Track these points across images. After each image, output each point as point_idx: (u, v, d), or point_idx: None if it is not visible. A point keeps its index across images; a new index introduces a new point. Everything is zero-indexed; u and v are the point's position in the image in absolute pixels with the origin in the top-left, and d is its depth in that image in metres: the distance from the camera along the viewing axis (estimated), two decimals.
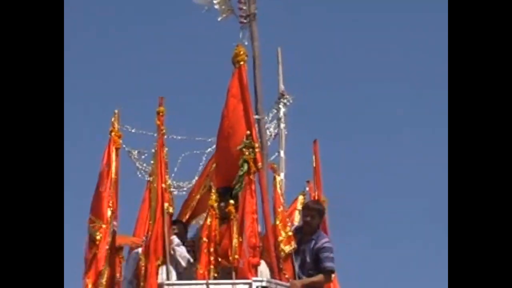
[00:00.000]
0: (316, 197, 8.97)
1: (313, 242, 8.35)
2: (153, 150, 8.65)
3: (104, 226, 8.33)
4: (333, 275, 8.41)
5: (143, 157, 8.87)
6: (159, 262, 8.09)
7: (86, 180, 8.89)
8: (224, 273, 8.23)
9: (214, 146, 9.13)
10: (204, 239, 8.08)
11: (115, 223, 8.40)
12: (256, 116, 8.83)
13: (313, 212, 8.46)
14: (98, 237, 8.30)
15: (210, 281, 8.01)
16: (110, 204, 8.51)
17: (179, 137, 9.02)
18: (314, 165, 9.19)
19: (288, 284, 8.19)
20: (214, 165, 9.10)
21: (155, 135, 8.60)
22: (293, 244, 8.26)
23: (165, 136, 8.53)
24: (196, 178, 9.26)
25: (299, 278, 8.42)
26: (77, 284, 9.33)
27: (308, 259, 8.41)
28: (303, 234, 8.37)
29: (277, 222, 8.37)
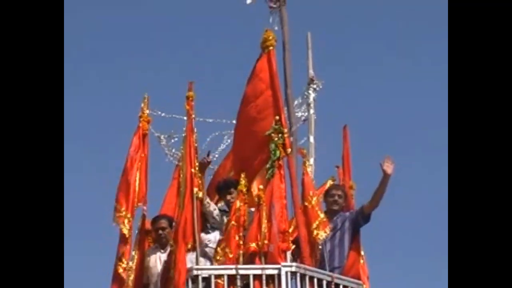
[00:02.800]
0: (345, 183, 8.96)
1: (340, 218, 8.44)
2: (182, 135, 8.57)
3: (129, 216, 8.32)
4: (362, 260, 8.43)
5: (172, 141, 8.79)
6: (188, 246, 8.00)
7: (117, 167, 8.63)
8: (248, 257, 8.20)
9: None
10: (233, 222, 8.05)
11: (144, 207, 8.38)
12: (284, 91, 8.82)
13: (341, 191, 8.57)
14: (126, 232, 8.30)
15: (239, 266, 7.93)
16: (137, 193, 8.44)
17: (209, 120, 8.97)
18: (343, 150, 9.13)
19: (316, 269, 8.09)
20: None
21: (185, 118, 8.53)
22: (327, 230, 8.30)
23: (194, 120, 8.48)
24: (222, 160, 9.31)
25: (329, 263, 8.35)
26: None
27: (336, 233, 8.43)
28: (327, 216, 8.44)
29: (310, 206, 8.37)
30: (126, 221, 8.19)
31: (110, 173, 8.91)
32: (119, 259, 8.30)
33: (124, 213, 8.25)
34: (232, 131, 9.26)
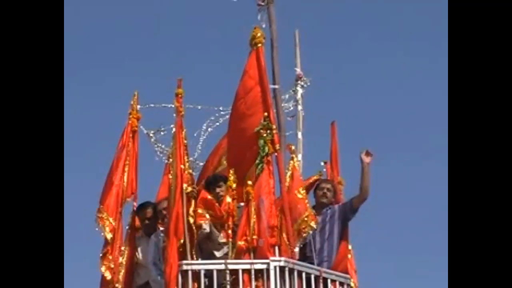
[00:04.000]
0: (333, 178, 8.97)
1: (329, 211, 8.52)
2: (171, 127, 8.62)
3: (111, 220, 8.32)
4: (349, 255, 8.46)
5: (161, 134, 8.84)
6: (180, 242, 8.06)
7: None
8: (238, 253, 8.25)
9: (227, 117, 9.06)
10: (224, 214, 8.17)
11: (134, 203, 8.42)
12: (273, 86, 8.86)
13: (330, 185, 8.65)
14: (109, 237, 8.31)
15: (228, 261, 7.99)
16: (125, 189, 8.42)
17: (199, 107, 8.98)
18: (331, 146, 9.17)
19: (304, 263, 8.16)
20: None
21: (174, 115, 8.50)
22: (315, 224, 8.38)
23: (183, 113, 8.44)
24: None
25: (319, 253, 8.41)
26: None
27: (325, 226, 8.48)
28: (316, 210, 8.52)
29: (300, 196, 8.44)
30: (107, 223, 8.22)
31: (101, 172, 8.69)
32: (102, 258, 8.36)
33: (105, 215, 8.28)
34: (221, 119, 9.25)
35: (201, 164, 9.23)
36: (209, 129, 9.17)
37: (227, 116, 9.23)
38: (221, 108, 9.20)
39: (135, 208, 8.35)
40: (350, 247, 8.53)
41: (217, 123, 9.35)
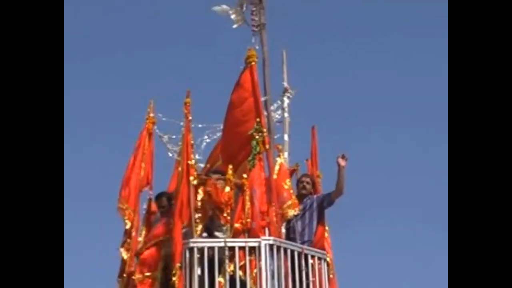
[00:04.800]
0: (313, 173, 9.89)
1: (309, 200, 9.42)
2: (180, 136, 9.44)
3: (131, 210, 9.10)
4: (326, 234, 9.36)
5: (173, 137, 9.63)
6: (184, 224, 8.82)
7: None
8: (234, 233, 8.96)
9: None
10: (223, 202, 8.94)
11: (150, 192, 9.36)
12: (263, 98, 9.67)
13: (309, 179, 9.55)
14: (128, 227, 9.12)
15: (227, 239, 8.79)
16: (141, 181, 9.22)
17: (200, 125, 9.82)
18: (312, 146, 10.10)
19: (290, 242, 9.04)
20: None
21: (181, 123, 9.38)
22: (297, 210, 9.25)
23: (191, 122, 9.27)
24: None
25: (301, 235, 9.27)
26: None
27: (306, 212, 9.35)
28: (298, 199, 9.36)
29: (286, 187, 9.29)
30: (127, 212, 9.06)
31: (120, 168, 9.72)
32: (122, 243, 9.18)
33: (125, 205, 9.12)
34: (218, 133, 10.00)
35: (201, 165, 9.83)
36: (208, 140, 9.92)
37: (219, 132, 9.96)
38: (217, 126, 9.95)
39: (150, 196, 9.24)
40: (327, 228, 9.38)
41: (215, 136, 10.06)
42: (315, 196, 9.52)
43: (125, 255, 9.21)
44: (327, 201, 9.35)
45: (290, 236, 9.34)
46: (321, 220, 9.44)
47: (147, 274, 9.11)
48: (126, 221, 9.09)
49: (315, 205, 9.42)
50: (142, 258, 9.09)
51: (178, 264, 8.76)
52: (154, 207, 9.32)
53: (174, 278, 8.80)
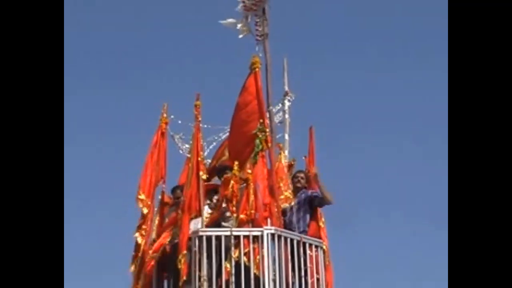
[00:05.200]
0: (310, 169, 10.23)
1: (303, 195, 9.88)
2: (190, 136, 10.00)
3: (148, 199, 9.57)
4: (322, 224, 9.76)
5: (182, 137, 10.20)
6: (192, 216, 9.30)
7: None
8: (239, 223, 9.37)
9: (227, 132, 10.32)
10: (228, 196, 9.40)
11: (163, 185, 9.87)
12: (270, 108, 10.11)
13: (303, 175, 10.04)
14: (145, 212, 9.61)
15: (233, 229, 9.25)
16: (156, 175, 9.69)
17: (208, 126, 10.34)
18: (309, 145, 10.46)
19: (289, 231, 9.45)
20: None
21: (191, 124, 9.92)
22: (290, 203, 9.73)
23: (200, 120, 9.75)
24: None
25: (297, 225, 9.71)
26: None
27: (300, 207, 9.81)
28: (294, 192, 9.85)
29: (281, 185, 9.76)
30: (144, 202, 9.55)
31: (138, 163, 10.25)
32: (137, 228, 9.65)
33: (143, 196, 9.62)
34: (223, 134, 10.54)
35: (208, 161, 10.37)
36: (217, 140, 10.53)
37: (226, 133, 10.44)
38: (223, 128, 10.51)
39: (163, 189, 9.77)
40: (322, 219, 9.81)
41: (220, 135, 10.60)
42: (309, 192, 9.92)
43: (139, 239, 9.66)
44: (317, 201, 9.74)
45: (288, 227, 9.71)
46: (314, 213, 9.85)
47: (153, 255, 9.52)
48: (144, 209, 9.55)
49: (307, 200, 9.85)
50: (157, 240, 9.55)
51: (184, 252, 9.17)
52: (167, 198, 9.81)
53: (180, 265, 9.21)
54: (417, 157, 21.19)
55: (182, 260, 9.18)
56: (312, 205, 9.82)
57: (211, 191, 9.86)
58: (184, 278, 9.19)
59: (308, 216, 9.85)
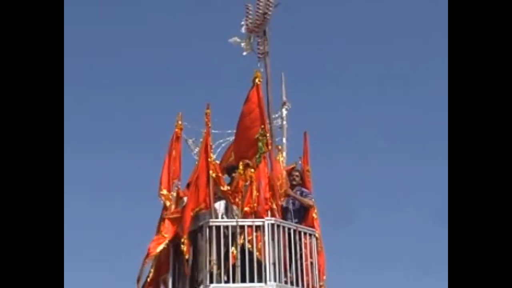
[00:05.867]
0: (304, 168, 11.11)
1: (298, 191, 10.71)
2: (200, 140, 10.82)
3: (167, 193, 10.40)
4: (314, 215, 10.49)
5: (195, 141, 11.02)
6: (202, 207, 10.00)
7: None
8: (244, 214, 10.12)
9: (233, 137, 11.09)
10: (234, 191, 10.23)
11: (178, 182, 10.70)
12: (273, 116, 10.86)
13: (298, 173, 10.89)
14: (167, 204, 10.40)
15: (239, 220, 10.01)
16: (172, 174, 10.51)
17: (216, 131, 11.19)
18: (304, 147, 11.25)
19: (286, 221, 10.15)
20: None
21: (201, 130, 10.77)
22: (286, 199, 10.55)
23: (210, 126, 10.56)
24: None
25: (293, 217, 10.47)
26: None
27: (296, 202, 10.64)
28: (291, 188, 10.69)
29: (279, 183, 10.58)
30: (164, 196, 10.43)
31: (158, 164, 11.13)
32: (160, 217, 10.51)
33: (164, 191, 10.47)
34: (230, 137, 11.28)
35: (217, 161, 10.91)
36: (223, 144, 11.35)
37: (233, 137, 11.20)
38: (231, 131, 11.27)
39: (179, 185, 10.60)
40: (315, 211, 10.54)
41: (228, 139, 11.38)
42: (303, 189, 10.75)
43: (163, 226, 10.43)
44: (306, 201, 10.63)
45: (286, 218, 10.47)
46: (307, 208, 10.64)
47: (165, 234, 10.29)
48: (166, 202, 10.43)
49: (301, 195, 10.71)
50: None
51: (185, 236, 9.88)
52: (181, 193, 10.64)
53: (182, 246, 9.93)
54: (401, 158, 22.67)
55: (185, 242, 9.92)
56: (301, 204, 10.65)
57: (230, 169, 10.70)
58: (187, 256, 9.89)
59: (302, 209, 10.67)
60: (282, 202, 10.69)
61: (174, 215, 10.42)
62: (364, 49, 24.62)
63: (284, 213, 10.70)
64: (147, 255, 10.28)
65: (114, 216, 22.85)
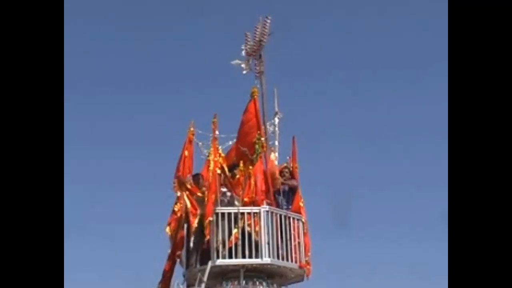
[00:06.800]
0: (293, 165, 12.25)
1: (287, 185, 11.88)
2: (209, 142, 11.92)
3: (179, 186, 11.53)
4: (301, 204, 11.68)
5: (204, 144, 12.07)
6: (213, 196, 11.06)
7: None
8: (244, 204, 11.22)
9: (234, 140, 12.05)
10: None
11: (191, 177, 11.90)
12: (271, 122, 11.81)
13: (287, 170, 12.10)
14: (178, 194, 11.55)
15: (240, 207, 11.15)
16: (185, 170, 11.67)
17: (222, 135, 12.23)
18: (292, 148, 12.35)
19: (278, 209, 11.33)
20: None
21: (209, 135, 11.87)
22: (280, 189, 11.68)
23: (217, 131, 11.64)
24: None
25: (284, 205, 11.65)
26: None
27: (286, 193, 11.78)
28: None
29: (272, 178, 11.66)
30: (177, 187, 11.64)
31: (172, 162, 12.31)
32: (174, 204, 11.73)
33: (177, 184, 11.65)
34: (233, 140, 12.23)
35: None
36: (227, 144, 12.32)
37: (234, 140, 12.07)
38: (234, 136, 12.18)
39: (190, 179, 11.79)
40: (302, 200, 11.69)
41: (231, 142, 12.33)
42: (293, 181, 11.92)
43: (176, 208, 11.68)
44: (293, 189, 11.84)
45: (279, 206, 11.65)
46: (295, 197, 11.76)
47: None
48: (178, 192, 11.67)
49: (288, 189, 11.87)
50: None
51: (209, 218, 10.93)
52: (192, 187, 11.89)
53: (204, 228, 11.00)
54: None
55: (207, 226, 10.96)
56: (294, 191, 11.89)
57: (232, 166, 11.78)
58: (208, 237, 10.97)
59: (291, 199, 11.84)
60: (275, 193, 11.79)
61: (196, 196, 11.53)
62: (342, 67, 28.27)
63: (276, 196, 11.66)
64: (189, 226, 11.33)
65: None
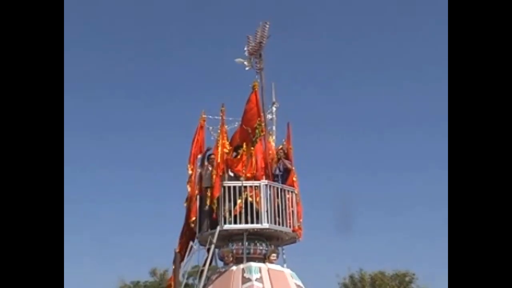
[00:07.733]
0: (288, 146, 13.88)
1: (282, 163, 13.54)
2: (218, 127, 13.59)
3: (192, 167, 13.21)
4: (294, 179, 13.25)
5: (214, 128, 13.76)
6: (220, 173, 12.75)
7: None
8: (246, 178, 12.75)
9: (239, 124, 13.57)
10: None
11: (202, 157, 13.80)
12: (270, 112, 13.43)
13: (282, 150, 13.78)
14: (190, 173, 13.23)
15: (244, 181, 12.79)
16: (196, 154, 13.48)
17: (230, 118, 13.89)
18: (287, 133, 13.98)
19: (275, 183, 12.90)
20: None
21: (219, 118, 13.47)
22: (275, 167, 13.27)
23: (225, 119, 13.35)
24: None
25: (280, 180, 13.33)
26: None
27: (281, 169, 13.45)
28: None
29: (270, 157, 13.50)
30: (191, 167, 13.41)
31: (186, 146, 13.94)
32: (187, 182, 13.43)
33: (190, 165, 13.29)
34: (238, 123, 13.74)
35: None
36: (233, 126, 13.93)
37: (238, 122, 13.60)
38: (238, 120, 13.78)
39: (199, 163, 13.54)
40: (295, 175, 13.29)
41: (236, 124, 13.92)
42: (287, 161, 13.59)
43: (188, 188, 13.36)
44: (288, 167, 13.41)
45: (274, 180, 13.31)
46: (289, 173, 13.41)
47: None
48: (189, 171, 13.45)
49: (286, 166, 13.56)
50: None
51: (217, 195, 12.50)
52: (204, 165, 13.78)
53: (213, 204, 12.63)
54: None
55: (215, 202, 12.55)
56: (287, 169, 13.60)
57: (236, 147, 13.37)
58: (215, 206, 12.49)
59: (285, 173, 13.54)
60: (273, 170, 13.60)
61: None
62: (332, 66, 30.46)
63: (274, 176, 13.45)
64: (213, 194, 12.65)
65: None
